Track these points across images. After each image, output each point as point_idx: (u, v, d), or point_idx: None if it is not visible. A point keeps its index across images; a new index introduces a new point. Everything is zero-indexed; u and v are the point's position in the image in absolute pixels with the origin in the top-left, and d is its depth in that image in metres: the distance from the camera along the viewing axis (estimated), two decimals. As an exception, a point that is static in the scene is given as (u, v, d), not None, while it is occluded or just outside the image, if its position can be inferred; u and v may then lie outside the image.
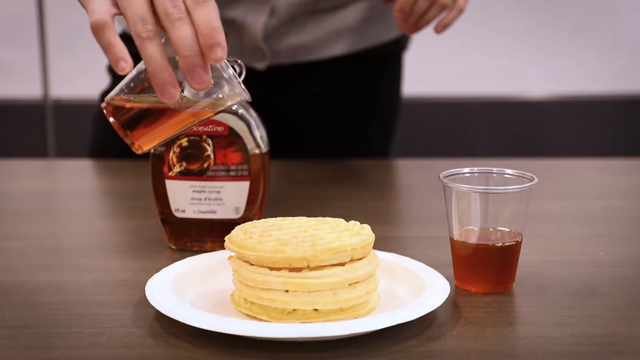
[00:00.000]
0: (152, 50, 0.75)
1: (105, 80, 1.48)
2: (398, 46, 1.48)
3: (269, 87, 1.41)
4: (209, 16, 0.75)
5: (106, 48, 0.76)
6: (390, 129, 1.53)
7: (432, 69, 2.69)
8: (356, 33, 1.40)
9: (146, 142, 0.81)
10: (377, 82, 1.48)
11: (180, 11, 0.75)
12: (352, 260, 0.80)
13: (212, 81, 0.78)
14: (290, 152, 1.48)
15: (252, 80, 1.34)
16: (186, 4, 0.76)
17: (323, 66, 1.41)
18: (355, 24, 1.39)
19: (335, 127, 1.47)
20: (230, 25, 1.33)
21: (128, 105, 0.80)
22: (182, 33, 0.75)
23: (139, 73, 0.79)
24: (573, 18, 2.78)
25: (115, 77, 1.46)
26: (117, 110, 0.80)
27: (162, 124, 0.81)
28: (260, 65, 1.36)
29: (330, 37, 1.39)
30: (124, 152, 1.40)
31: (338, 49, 1.40)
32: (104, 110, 0.80)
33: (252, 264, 0.80)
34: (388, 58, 1.48)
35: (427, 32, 1.29)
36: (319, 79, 1.43)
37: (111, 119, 0.80)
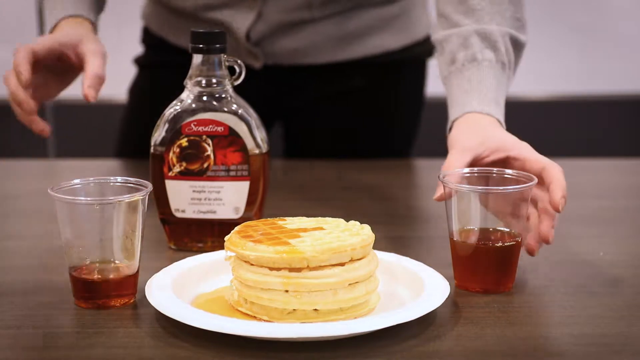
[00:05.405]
0: None
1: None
2: (404, 54, 1.47)
3: (273, 87, 1.42)
4: None
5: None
6: (397, 134, 1.53)
7: (433, 69, 2.68)
8: (356, 40, 1.39)
9: None
10: (383, 88, 1.47)
11: None
12: (352, 260, 0.80)
13: None
14: (293, 152, 1.49)
15: (257, 79, 1.35)
16: None
17: (325, 69, 1.41)
18: (356, 32, 1.39)
19: (338, 127, 1.47)
20: (223, 27, 1.33)
21: None
22: None
23: None
24: (573, 18, 2.78)
25: (143, 68, 1.47)
26: None
27: None
28: (256, 64, 1.37)
29: (327, 44, 1.38)
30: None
31: (338, 55, 1.40)
32: None
33: (252, 264, 0.80)
34: (397, 65, 1.47)
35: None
36: (322, 81, 1.43)
37: None
